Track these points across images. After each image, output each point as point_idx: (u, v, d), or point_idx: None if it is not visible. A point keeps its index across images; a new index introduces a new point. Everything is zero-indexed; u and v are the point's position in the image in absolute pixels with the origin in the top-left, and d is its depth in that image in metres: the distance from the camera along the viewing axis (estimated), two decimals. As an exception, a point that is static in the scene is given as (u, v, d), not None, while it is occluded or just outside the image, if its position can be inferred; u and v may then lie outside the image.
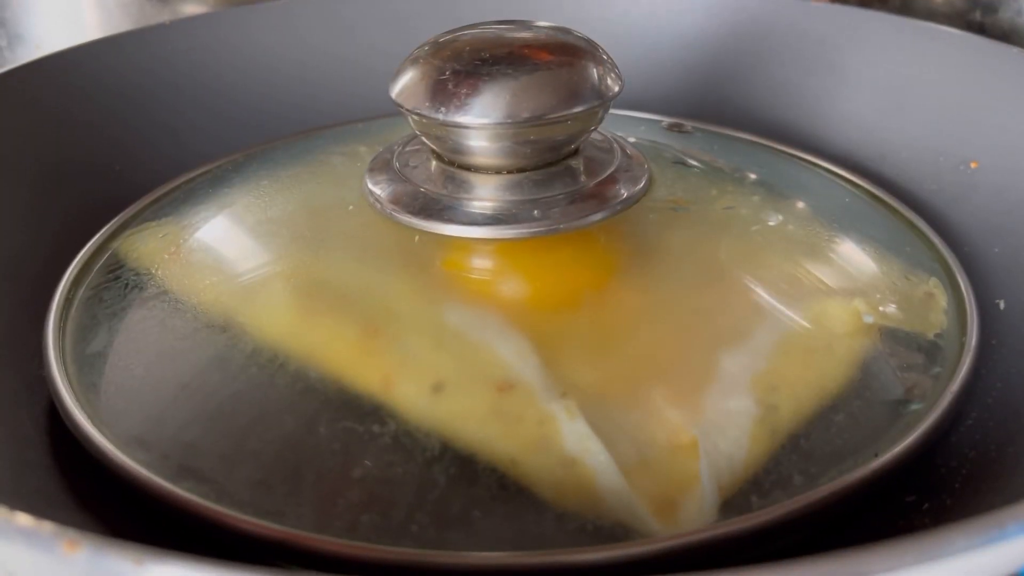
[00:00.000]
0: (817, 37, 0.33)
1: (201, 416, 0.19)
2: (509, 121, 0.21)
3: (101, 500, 0.19)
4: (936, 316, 0.22)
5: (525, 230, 0.21)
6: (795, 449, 0.18)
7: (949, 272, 0.24)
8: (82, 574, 0.12)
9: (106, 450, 0.18)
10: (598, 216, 0.22)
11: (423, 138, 0.23)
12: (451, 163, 0.23)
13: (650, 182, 0.24)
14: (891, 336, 0.21)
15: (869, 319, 0.21)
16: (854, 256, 0.24)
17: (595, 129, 0.24)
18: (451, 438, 0.18)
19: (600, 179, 0.23)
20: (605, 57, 0.22)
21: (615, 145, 0.25)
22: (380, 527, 0.17)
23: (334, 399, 0.19)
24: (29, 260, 0.25)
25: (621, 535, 0.16)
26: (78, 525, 0.14)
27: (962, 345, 0.21)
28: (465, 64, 0.21)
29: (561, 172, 0.23)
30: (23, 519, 0.12)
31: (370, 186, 0.23)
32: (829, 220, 0.25)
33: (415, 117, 0.22)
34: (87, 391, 0.20)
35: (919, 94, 0.30)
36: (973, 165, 0.28)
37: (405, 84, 0.22)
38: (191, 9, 0.49)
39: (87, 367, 0.21)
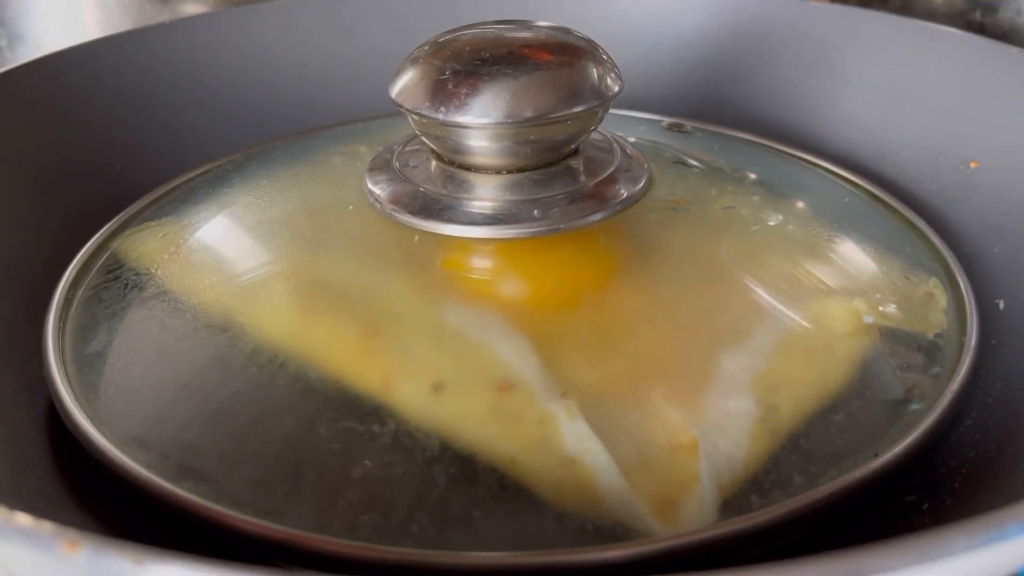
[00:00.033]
0: (817, 37, 0.34)
1: (201, 416, 0.19)
2: (509, 121, 0.21)
3: (101, 500, 0.19)
4: (936, 316, 0.22)
5: (525, 230, 0.21)
6: (795, 449, 0.18)
7: (949, 272, 0.24)
8: (82, 574, 0.12)
9: (106, 450, 0.18)
10: (598, 216, 0.22)
11: (423, 138, 0.23)
12: (451, 163, 0.23)
13: (650, 182, 0.24)
14: (891, 336, 0.21)
15: (869, 319, 0.21)
16: (854, 256, 0.24)
17: (595, 129, 0.24)
18: (451, 438, 0.18)
19: (600, 179, 0.23)
20: (605, 57, 0.22)
21: (615, 145, 0.25)
22: (380, 527, 0.17)
23: (334, 399, 0.19)
24: (29, 260, 0.25)
25: (621, 535, 0.16)
26: (78, 525, 0.14)
27: (962, 345, 0.21)
28: (465, 64, 0.21)
29: (561, 172, 0.23)
30: (23, 519, 0.12)
31: (370, 186, 0.23)
32: (829, 220, 0.25)
33: (415, 117, 0.22)
34: (87, 391, 0.20)
35: (919, 94, 0.30)
36: (973, 165, 0.28)
37: (405, 84, 0.22)
38: (191, 9, 0.49)
39: (87, 367, 0.21)
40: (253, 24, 0.36)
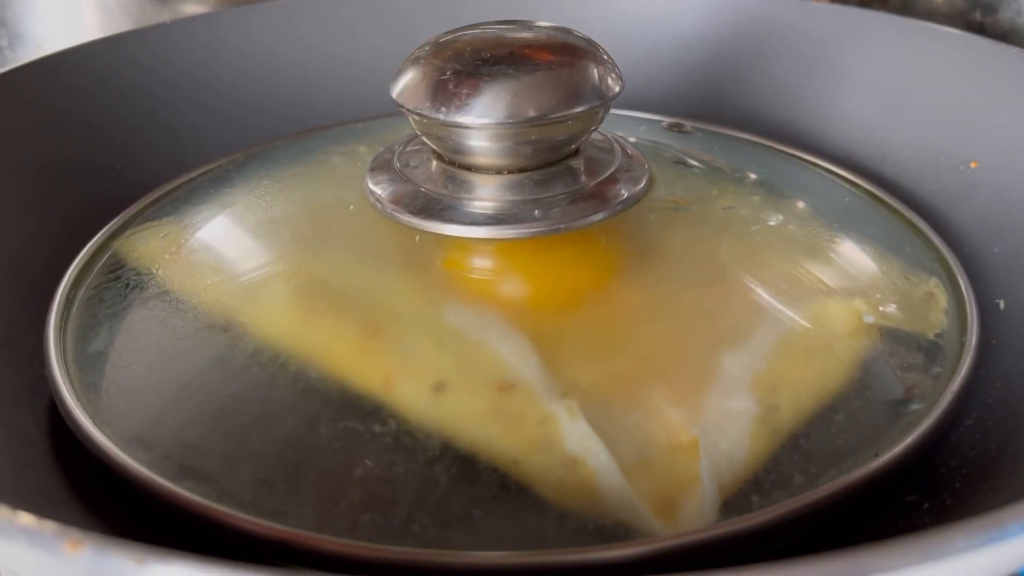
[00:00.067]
0: (817, 37, 0.34)
1: (202, 416, 0.19)
2: (510, 121, 0.21)
3: (102, 500, 0.19)
4: (936, 316, 0.22)
5: (526, 230, 0.21)
6: (795, 449, 0.18)
7: (949, 272, 0.24)
8: (84, 573, 0.12)
9: (107, 450, 0.18)
10: (599, 216, 0.22)
11: (424, 138, 0.23)
12: (452, 163, 0.23)
13: (650, 182, 0.24)
14: (891, 336, 0.21)
15: (869, 319, 0.21)
16: (854, 256, 0.24)
17: (595, 129, 0.24)
18: (452, 438, 0.18)
19: (600, 179, 0.23)
20: (605, 57, 0.22)
21: (615, 145, 0.25)
22: (381, 527, 0.17)
23: (335, 399, 0.19)
24: (29, 260, 0.25)
25: (622, 535, 0.16)
26: (80, 525, 0.14)
27: (962, 345, 0.21)
28: (466, 64, 0.21)
29: (562, 172, 0.23)
30: (25, 519, 0.12)
31: (371, 186, 0.23)
32: (829, 220, 0.25)
33: (416, 117, 0.22)
34: (88, 391, 0.20)
35: (919, 94, 0.31)
36: (973, 165, 0.28)
37: (406, 84, 0.22)
38: (191, 9, 0.49)
39: (88, 367, 0.21)
40: (253, 24, 0.36)
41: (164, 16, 0.43)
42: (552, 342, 0.20)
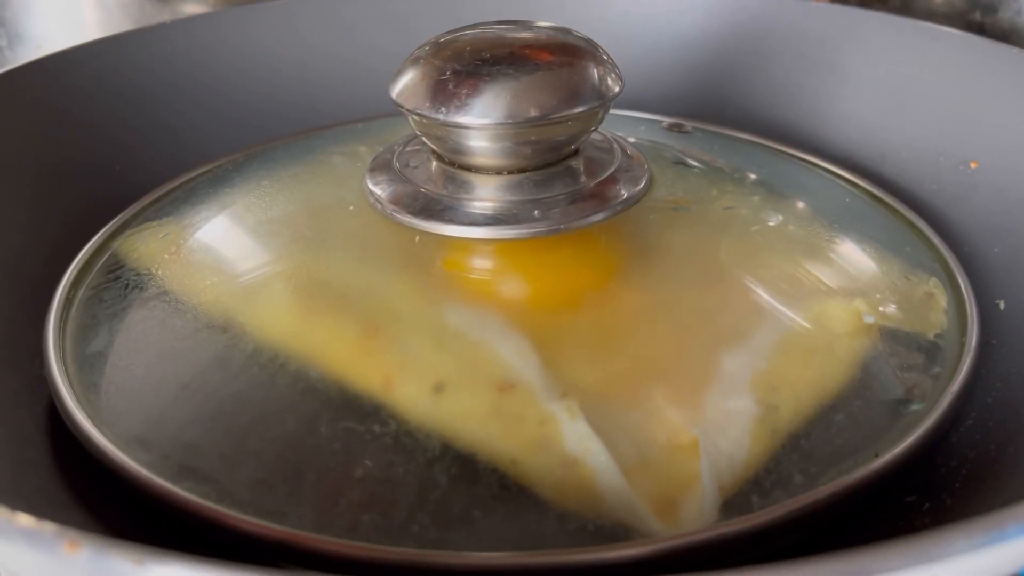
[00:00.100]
0: (817, 37, 0.34)
1: (202, 416, 0.19)
2: (510, 121, 0.21)
3: (102, 500, 0.19)
4: (936, 316, 0.22)
5: (525, 230, 0.21)
6: (795, 449, 0.18)
7: (949, 272, 0.24)
8: (83, 574, 0.12)
9: (107, 450, 0.18)
10: (598, 216, 0.22)
11: (423, 138, 0.23)
12: (451, 163, 0.23)
13: (650, 182, 0.24)
14: (891, 336, 0.21)
15: (869, 319, 0.21)
16: (854, 256, 0.24)
17: (595, 129, 0.24)
18: (452, 438, 0.18)
19: (600, 179, 0.23)
20: (605, 57, 0.22)
21: (615, 145, 0.25)
22: (381, 527, 0.17)
23: (335, 399, 0.19)
24: (29, 260, 0.25)
25: (622, 535, 0.16)
26: (79, 525, 0.14)
27: (962, 345, 0.21)
28: (466, 64, 0.21)
29: (561, 172, 0.23)
30: (25, 519, 0.12)
31: (370, 186, 0.23)
32: (829, 220, 0.25)
33: (416, 117, 0.22)
34: (88, 391, 0.20)
35: (919, 94, 0.30)
36: (973, 165, 0.28)
37: (406, 84, 0.22)
38: (191, 9, 0.49)
39: (87, 367, 0.21)
40: (253, 24, 0.36)
41: (164, 16, 0.43)
42: (552, 342, 0.20)
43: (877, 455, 0.18)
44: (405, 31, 0.29)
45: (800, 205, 0.26)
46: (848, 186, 0.28)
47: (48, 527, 0.12)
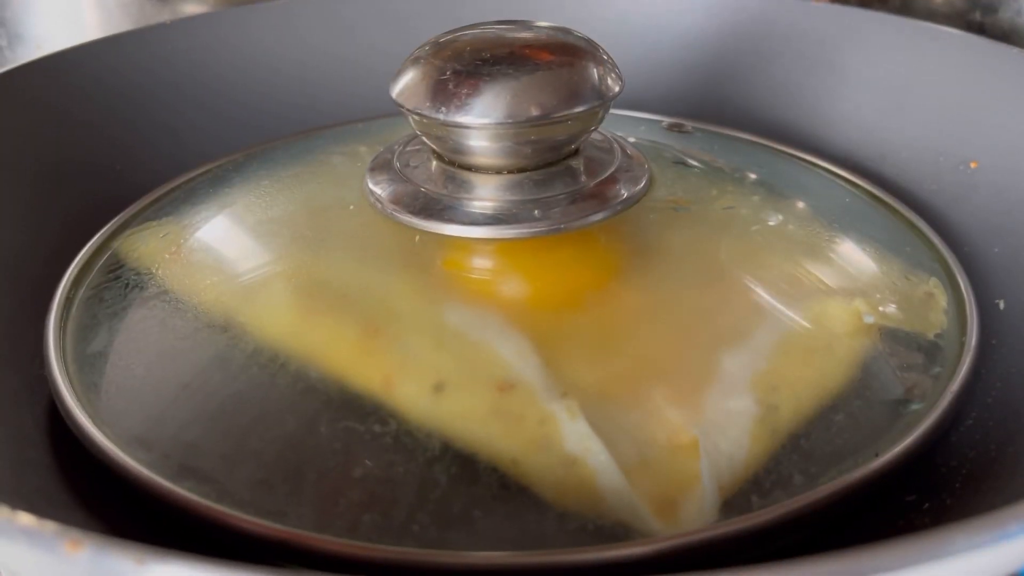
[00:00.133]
0: (817, 37, 0.34)
1: (202, 416, 0.19)
2: (510, 121, 0.21)
3: (102, 500, 0.19)
4: (936, 316, 0.22)
5: (526, 230, 0.21)
6: (795, 449, 0.18)
7: (949, 272, 0.24)
8: (84, 573, 0.12)
9: (107, 450, 0.18)
10: (599, 216, 0.22)
11: (424, 138, 0.23)
12: (452, 163, 0.23)
13: (650, 182, 0.24)
14: (891, 336, 0.21)
15: (869, 319, 0.21)
16: (854, 256, 0.24)
17: (595, 129, 0.24)
18: (452, 438, 0.18)
19: (600, 179, 0.23)
20: (605, 57, 0.22)
21: (615, 145, 0.25)
22: (381, 527, 0.17)
23: (335, 399, 0.19)
24: (29, 260, 0.25)
25: (622, 535, 0.16)
26: (80, 525, 0.14)
27: (962, 345, 0.21)
28: (466, 64, 0.21)
29: (561, 172, 0.23)
30: (25, 519, 0.12)
31: (371, 186, 0.23)
32: (829, 220, 0.25)
33: (416, 117, 0.22)
34: (88, 391, 0.20)
35: (919, 94, 0.31)
36: (973, 165, 0.28)
37: (406, 84, 0.22)
38: (191, 9, 0.49)
39: (88, 367, 0.21)
40: (253, 24, 0.36)
41: (164, 16, 0.43)
42: (552, 342, 0.20)
43: (877, 455, 0.18)
44: (405, 31, 0.29)
45: (800, 205, 0.26)
46: (848, 186, 0.28)
47: (49, 527, 0.12)
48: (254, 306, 0.21)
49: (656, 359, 0.20)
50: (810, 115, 0.33)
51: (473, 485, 0.17)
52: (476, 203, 0.22)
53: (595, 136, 0.25)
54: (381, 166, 0.24)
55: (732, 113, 0.34)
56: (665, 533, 0.16)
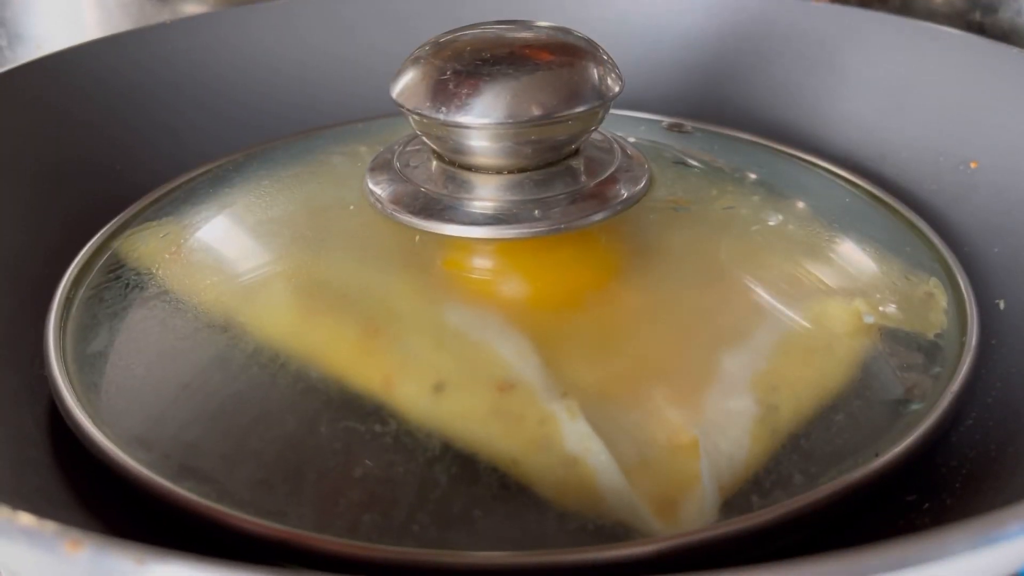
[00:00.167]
0: (817, 37, 0.34)
1: (202, 416, 0.19)
2: (510, 121, 0.21)
3: (103, 500, 0.19)
4: (936, 316, 0.22)
5: (526, 230, 0.21)
6: (795, 449, 0.18)
7: (949, 272, 0.24)
8: (84, 573, 0.12)
9: (107, 450, 0.18)
10: (599, 216, 0.22)
11: (424, 138, 0.23)
12: (452, 163, 0.23)
13: (650, 182, 0.24)
14: (891, 336, 0.21)
15: (869, 319, 0.21)
16: (854, 256, 0.24)
17: (595, 129, 0.24)
18: (452, 438, 0.18)
19: (601, 179, 0.23)
20: (605, 57, 0.22)
21: (615, 145, 0.25)
22: (381, 527, 0.17)
23: (335, 399, 0.19)
24: (29, 260, 0.25)
25: (622, 535, 0.16)
26: (80, 525, 0.14)
27: (962, 345, 0.21)
28: (466, 64, 0.21)
29: (562, 172, 0.23)
30: (25, 519, 0.12)
31: (371, 186, 0.23)
32: (829, 220, 0.25)
33: (416, 117, 0.22)
34: (88, 391, 0.20)
35: (919, 94, 0.31)
36: (973, 165, 0.28)
37: (406, 84, 0.22)
38: (191, 9, 0.49)
39: (88, 367, 0.21)
40: (253, 24, 0.36)
41: (164, 16, 0.43)
42: (552, 342, 0.20)
43: (877, 455, 0.18)
44: (405, 31, 0.29)
45: (800, 205, 0.26)
46: (848, 186, 0.28)
47: (49, 526, 0.12)
48: (254, 306, 0.21)
49: (656, 359, 0.20)
50: (810, 115, 0.33)
51: (473, 485, 0.17)
52: (476, 203, 0.22)
53: (595, 136, 0.25)
54: (381, 166, 0.24)
55: (732, 113, 0.34)
56: (665, 533, 0.16)
